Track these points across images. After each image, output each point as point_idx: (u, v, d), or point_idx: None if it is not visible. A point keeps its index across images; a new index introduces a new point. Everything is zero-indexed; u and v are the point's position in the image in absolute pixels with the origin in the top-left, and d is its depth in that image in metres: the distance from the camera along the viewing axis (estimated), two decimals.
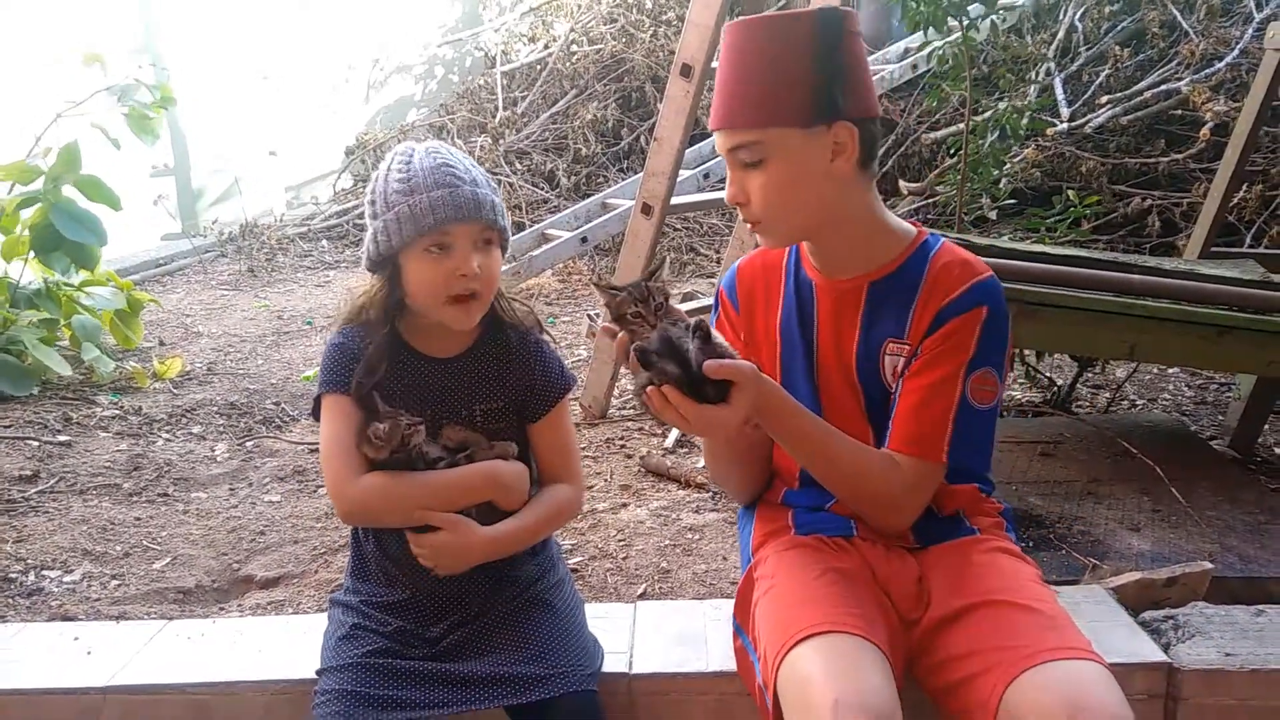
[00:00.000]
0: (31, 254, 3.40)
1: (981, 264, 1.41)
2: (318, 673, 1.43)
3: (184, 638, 1.81)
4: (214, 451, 2.91)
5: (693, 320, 1.30)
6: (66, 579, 2.20)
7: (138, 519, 2.48)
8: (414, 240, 1.35)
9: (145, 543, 2.36)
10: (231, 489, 2.67)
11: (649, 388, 1.27)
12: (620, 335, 1.31)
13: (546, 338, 1.56)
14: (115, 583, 2.19)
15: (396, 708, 1.34)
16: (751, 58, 1.34)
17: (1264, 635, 1.74)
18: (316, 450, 2.89)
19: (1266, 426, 2.80)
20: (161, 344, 3.98)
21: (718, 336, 1.32)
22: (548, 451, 1.54)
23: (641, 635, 1.75)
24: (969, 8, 3.12)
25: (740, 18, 1.41)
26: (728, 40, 1.38)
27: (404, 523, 1.43)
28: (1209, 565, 1.95)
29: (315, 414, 1.46)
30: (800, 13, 1.38)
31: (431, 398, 1.45)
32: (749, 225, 1.42)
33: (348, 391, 1.40)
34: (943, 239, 1.45)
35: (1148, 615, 1.82)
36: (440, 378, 1.46)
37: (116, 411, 3.17)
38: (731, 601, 1.55)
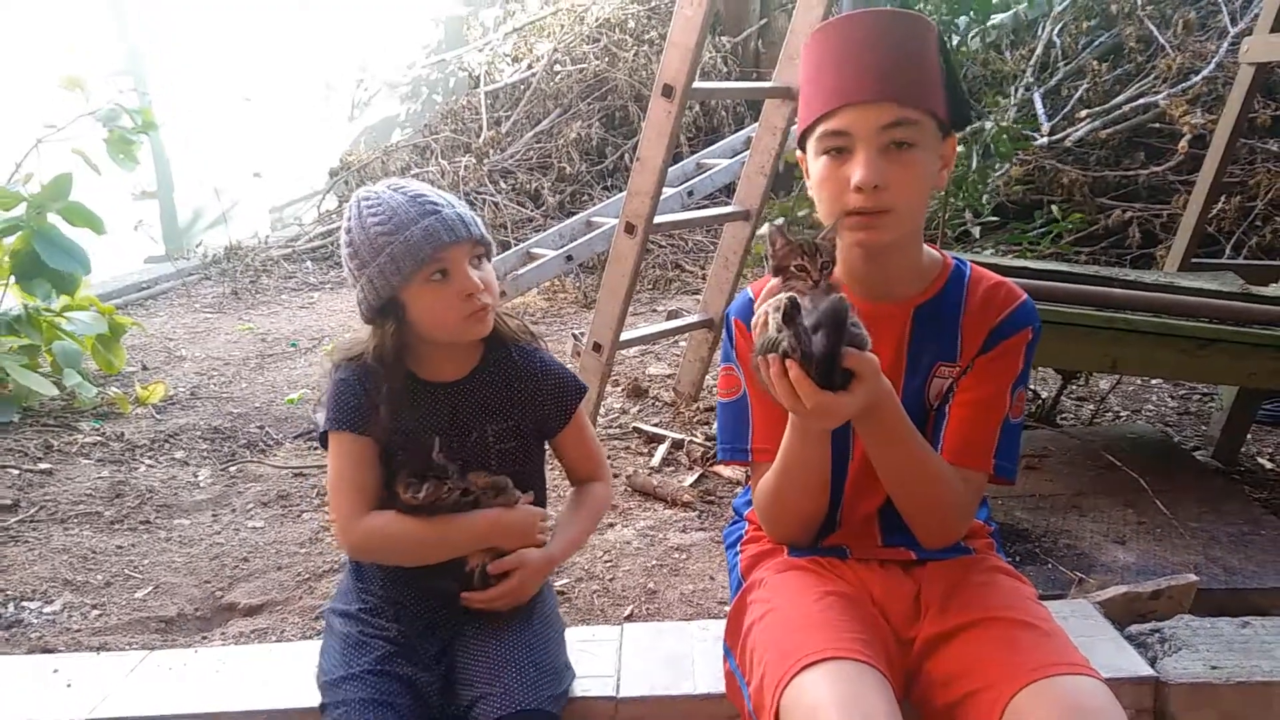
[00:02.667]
0: (12, 279, 3.37)
1: (1017, 286, 1.44)
2: (324, 685, 1.42)
3: (166, 668, 1.79)
4: (197, 477, 2.89)
5: (835, 297, 1.19)
6: (46, 610, 2.18)
7: (119, 547, 2.45)
8: (414, 274, 1.35)
9: (127, 571, 2.34)
10: (215, 515, 2.64)
11: (772, 355, 1.18)
12: (772, 283, 1.25)
13: (543, 346, 1.57)
14: (96, 613, 2.17)
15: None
16: (898, 42, 1.29)
17: (1249, 647, 1.75)
18: (300, 474, 2.88)
19: (1249, 436, 2.82)
20: (144, 368, 3.95)
21: (854, 316, 1.22)
22: (575, 458, 1.59)
23: (628, 658, 1.74)
24: (956, 21, 3.15)
25: (863, 9, 1.34)
26: (862, 25, 1.31)
27: (407, 563, 1.45)
28: (1194, 578, 1.96)
29: (323, 443, 1.46)
30: (918, 15, 1.35)
31: (443, 423, 1.46)
32: (854, 218, 1.31)
33: (355, 429, 1.41)
34: (970, 262, 1.47)
35: (1134, 629, 1.83)
36: (449, 402, 1.47)
37: (98, 438, 3.14)
38: (719, 622, 1.54)
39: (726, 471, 2.73)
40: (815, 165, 1.36)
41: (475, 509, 1.44)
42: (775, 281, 1.26)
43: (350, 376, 1.44)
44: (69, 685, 1.74)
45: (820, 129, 1.33)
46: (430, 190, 1.41)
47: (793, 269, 1.23)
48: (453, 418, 1.47)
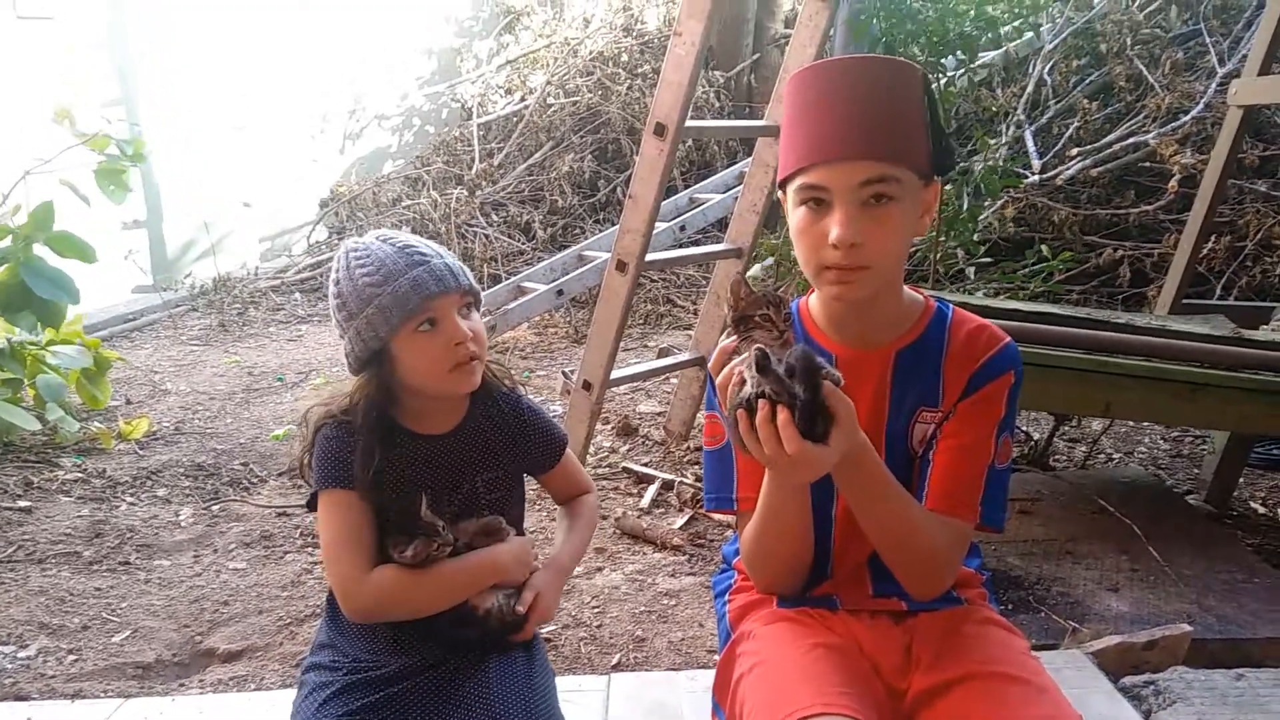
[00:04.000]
0: None
1: (999, 330, 1.41)
2: None
3: (142, 717, 1.76)
4: (178, 516, 2.84)
5: (800, 346, 1.18)
6: (21, 655, 2.13)
7: (98, 589, 2.40)
8: (402, 324, 1.34)
9: (105, 614, 2.29)
10: (196, 556, 2.60)
11: (761, 401, 1.15)
12: (726, 343, 1.23)
13: (525, 393, 1.56)
14: (72, 658, 2.12)
15: None
16: (881, 92, 1.27)
17: (1244, 701, 1.73)
18: (284, 514, 2.84)
19: (1241, 480, 2.81)
20: (128, 402, 3.91)
21: (821, 360, 1.20)
22: (561, 487, 1.61)
23: (616, 709, 1.72)
24: (942, 62, 3.17)
25: (842, 56, 1.33)
26: (839, 74, 1.30)
27: (413, 616, 1.42)
28: (1188, 628, 1.95)
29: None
30: (906, 62, 1.33)
31: (433, 475, 1.45)
32: (831, 273, 1.29)
33: (347, 485, 1.38)
34: (952, 305, 1.45)
35: (1128, 681, 1.81)
36: (439, 455, 1.45)
37: (79, 474, 3.10)
38: (708, 672, 1.52)
39: (718, 515, 2.70)
40: (794, 215, 1.35)
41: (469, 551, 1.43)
42: (729, 341, 1.23)
43: (336, 434, 1.41)
44: None
45: (798, 181, 1.32)
46: (419, 241, 1.40)
47: (757, 319, 1.21)
48: (444, 470, 1.46)
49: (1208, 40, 5.15)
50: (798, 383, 1.15)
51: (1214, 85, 4.84)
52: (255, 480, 3.12)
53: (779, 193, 1.42)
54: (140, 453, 3.32)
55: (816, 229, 1.30)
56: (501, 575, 1.44)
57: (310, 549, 2.62)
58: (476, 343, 1.39)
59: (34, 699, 1.94)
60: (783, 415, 1.15)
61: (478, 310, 1.44)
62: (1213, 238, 4.38)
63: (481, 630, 1.43)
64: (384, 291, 1.33)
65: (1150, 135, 4.88)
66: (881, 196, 1.26)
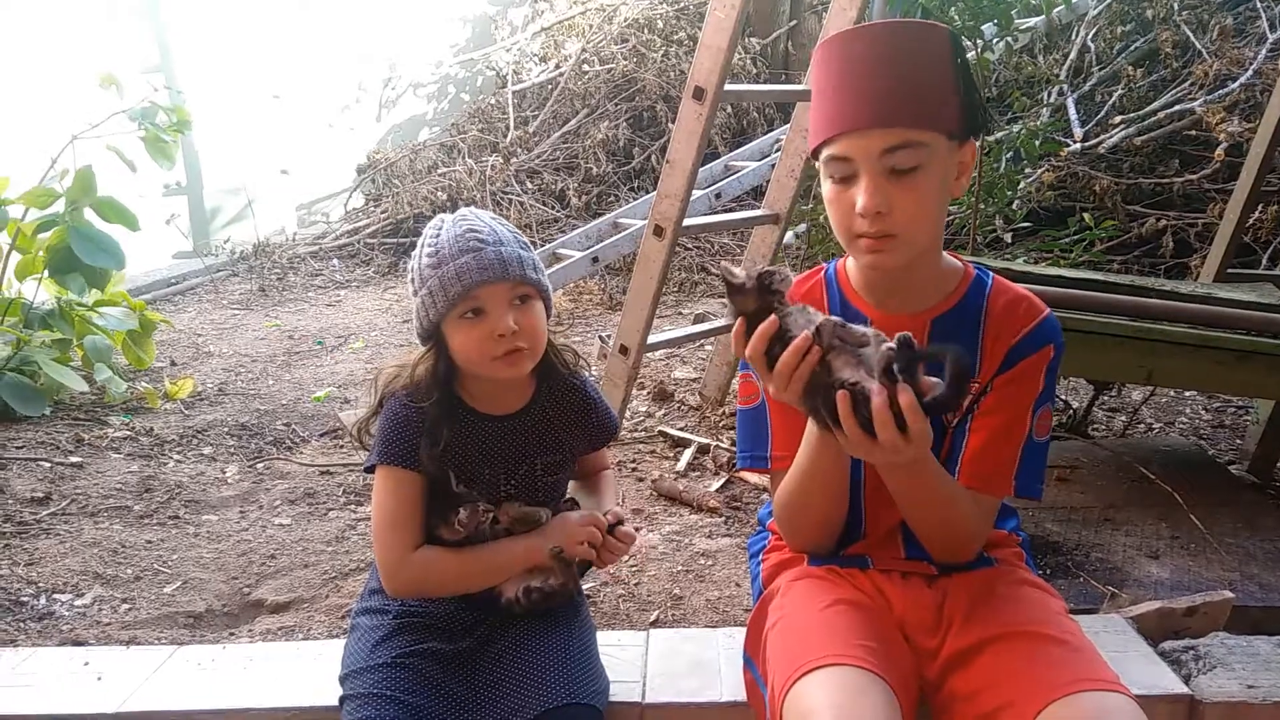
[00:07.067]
0: (46, 273, 3.41)
1: (1040, 300, 1.40)
2: (341, 678, 1.43)
3: (194, 663, 1.80)
4: (225, 473, 2.91)
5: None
6: (78, 602, 2.20)
7: (149, 542, 2.47)
8: (449, 310, 1.36)
9: (156, 566, 2.36)
10: (242, 511, 2.66)
11: (887, 388, 1.15)
12: (762, 326, 1.22)
13: (589, 375, 1.59)
14: (126, 606, 2.19)
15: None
16: (903, 58, 1.27)
17: None
18: (327, 472, 2.89)
19: None
20: (173, 364, 3.99)
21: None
22: (593, 461, 1.66)
23: (654, 664, 1.74)
24: (983, 28, 3.12)
25: (864, 24, 1.34)
26: (861, 43, 1.30)
27: (452, 594, 1.47)
28: (1229, 594, 1.93)
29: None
30: (931, 24, 1.34)
31: (494, 456, 1.47)
32: (863, 242, 1.30)
33: (406, 465, 1.41)
34: (992, 273, 1.44)
35: (1168, 645, 1.80)
36: (502, 435, 1.48)
37: (128, 432, 3.17)
38: (744, 629, 1.54)
39: (753, 478, 2.71)
40: (825, 186, 1.35)
41: (508, 536, 1.47)
42: (766, 324, 1.21)
43: (404, 410, 1.43)
44: (99, 678, 1.75)
45: (825, 153, 1.32)
46: (487, 225, 1.39)
47: (774, 286, 1.21)
48: (505, 451, 1.48)
49: (1258, 4, 5.01)
50: (946, 382, 1.16)
51: (1264, 51, 4.71)
52: (298, 440, 3.18)
53: (815, 164, 1.42)
54: (186, 412, 3.40)
55: (845, 198, 1.31)
56: (536, 561, 1.47)
57: (353, 506, 2.67)
58: (525, 336, 1.39)
59: (91, 644, 2.00)
60: (907, 398, 1.14)
61: (542, 301, 1.43)
62: (1260, 207, 4.28)
63: (505, 615, 1.47)
64: (435, 276, 1.36)
65: (1197, 103, 4.77)
66: (911, 163, 1.26)
